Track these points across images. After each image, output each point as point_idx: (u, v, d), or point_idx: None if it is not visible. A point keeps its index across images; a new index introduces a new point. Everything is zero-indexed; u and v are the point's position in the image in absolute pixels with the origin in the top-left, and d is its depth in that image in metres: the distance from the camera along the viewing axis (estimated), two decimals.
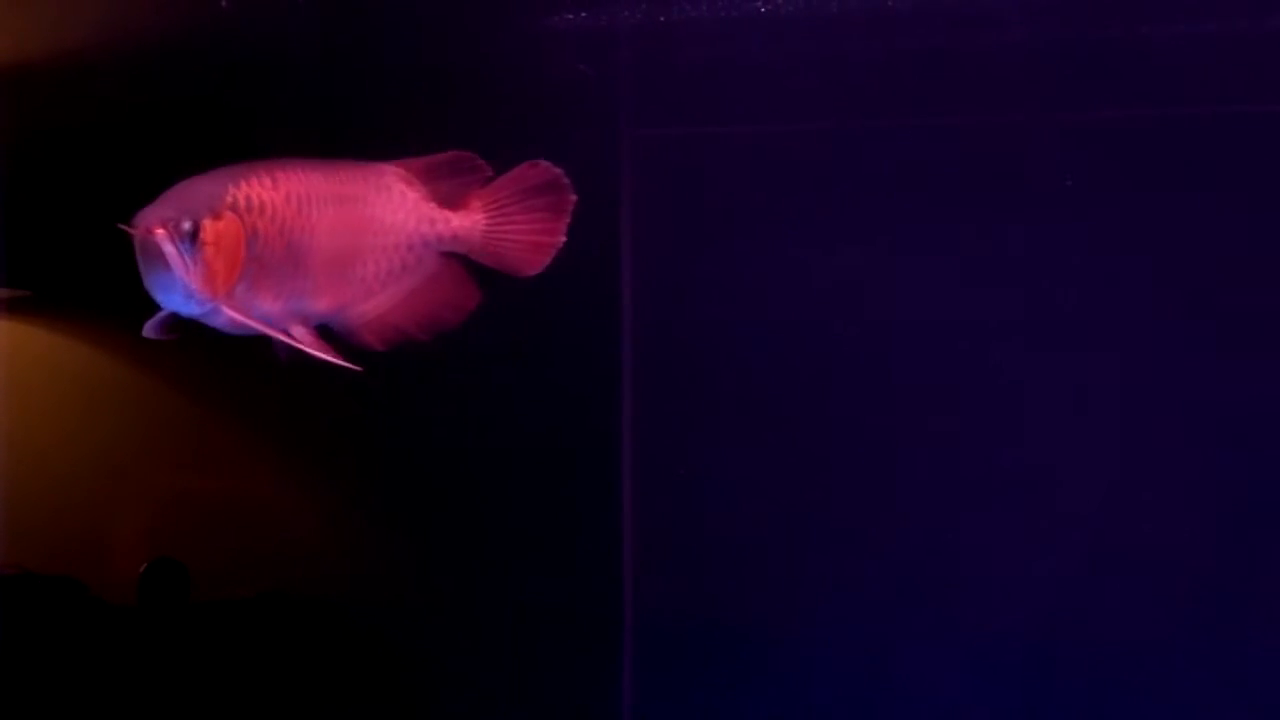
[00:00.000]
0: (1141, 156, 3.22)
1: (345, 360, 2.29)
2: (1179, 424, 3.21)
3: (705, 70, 3.32)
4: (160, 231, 2.10)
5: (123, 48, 3.17)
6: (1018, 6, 3.10)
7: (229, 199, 2.18)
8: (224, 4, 2.98)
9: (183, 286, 2.12)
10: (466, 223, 2.43)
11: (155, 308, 2.25)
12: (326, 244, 2.29)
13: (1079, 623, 3.24)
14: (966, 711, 3.27)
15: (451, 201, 2.43)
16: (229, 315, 2.20)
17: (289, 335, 2.29)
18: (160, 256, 2.10)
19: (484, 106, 3.25)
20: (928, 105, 3.30)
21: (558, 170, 2.46)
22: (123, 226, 2.12)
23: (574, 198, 2.44)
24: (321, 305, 2.32)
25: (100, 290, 3.12)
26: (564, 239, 2.47)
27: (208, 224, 2.13)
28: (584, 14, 3.24)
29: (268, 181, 2.24)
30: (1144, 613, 3.21)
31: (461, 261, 2.45)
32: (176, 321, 2.24)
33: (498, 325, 3.39)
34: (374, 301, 2.38)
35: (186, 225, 2.11)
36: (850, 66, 3.27)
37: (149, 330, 2.27)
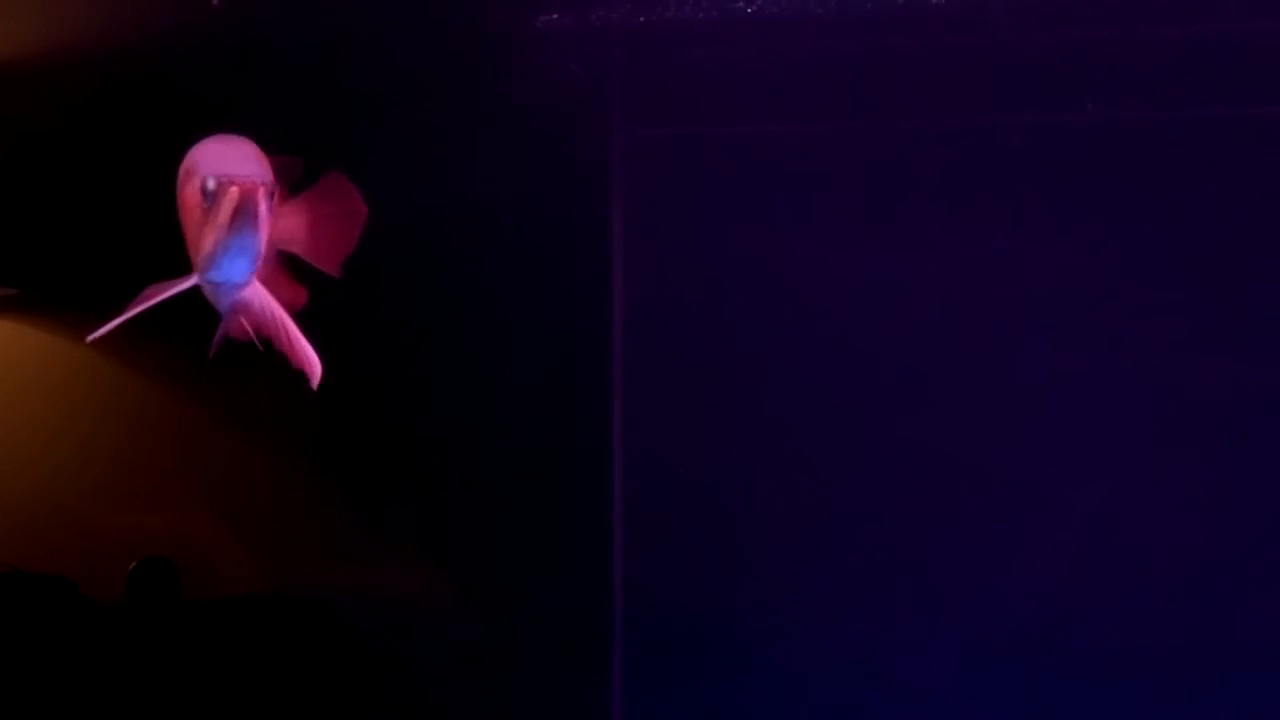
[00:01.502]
0: (1139, 158, 3.24)
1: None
2: (1175, 428, 3.22)
3: (697, 71, 3.33)
4: (262, 189, 1.94)
5: (112, 48, 3.16)
6: (1007, 9, 3.11)
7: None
8: (215, 3, 2.98)
9: (257, 250, 1.97)
10: (289, 223, 2.38)
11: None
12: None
13: (1074, 620, 3.25)
14: (958, 710, 3.28)
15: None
16: (256, 291, 2.08)
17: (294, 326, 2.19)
18: (255, 216, 1.93)
19: (477, 107, 3.26)
20: (918, 106, 3.31)
21: (351, 187, 2.40)
22: (224, 178, 1.93)
23: (364, 212, 2.40)
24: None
25: (87, 288, 3.12)
26: (352, 248, 2.43)
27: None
28: (575, 15, 3.25)
29: (261, 153, 2.16)
30: (1138, 615, 3.22)
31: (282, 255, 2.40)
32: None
33: (490, 325, 3.42)
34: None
35: (271, 185, 1.97)
36: (840, 67, 3.28)
37: (214, 348, 2.13)
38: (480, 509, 3.42)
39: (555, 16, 3.25)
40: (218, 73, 3.23)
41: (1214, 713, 3.18)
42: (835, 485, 3.32)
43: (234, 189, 1.93)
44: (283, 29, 3.10)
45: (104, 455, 3.54)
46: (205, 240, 1.98)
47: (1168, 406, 3.23)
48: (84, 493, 3.54)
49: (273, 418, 3.46)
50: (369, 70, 3.24)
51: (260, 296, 2.10)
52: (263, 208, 1.94)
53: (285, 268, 2.38)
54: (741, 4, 3.20)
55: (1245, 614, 3.18)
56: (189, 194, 2.00)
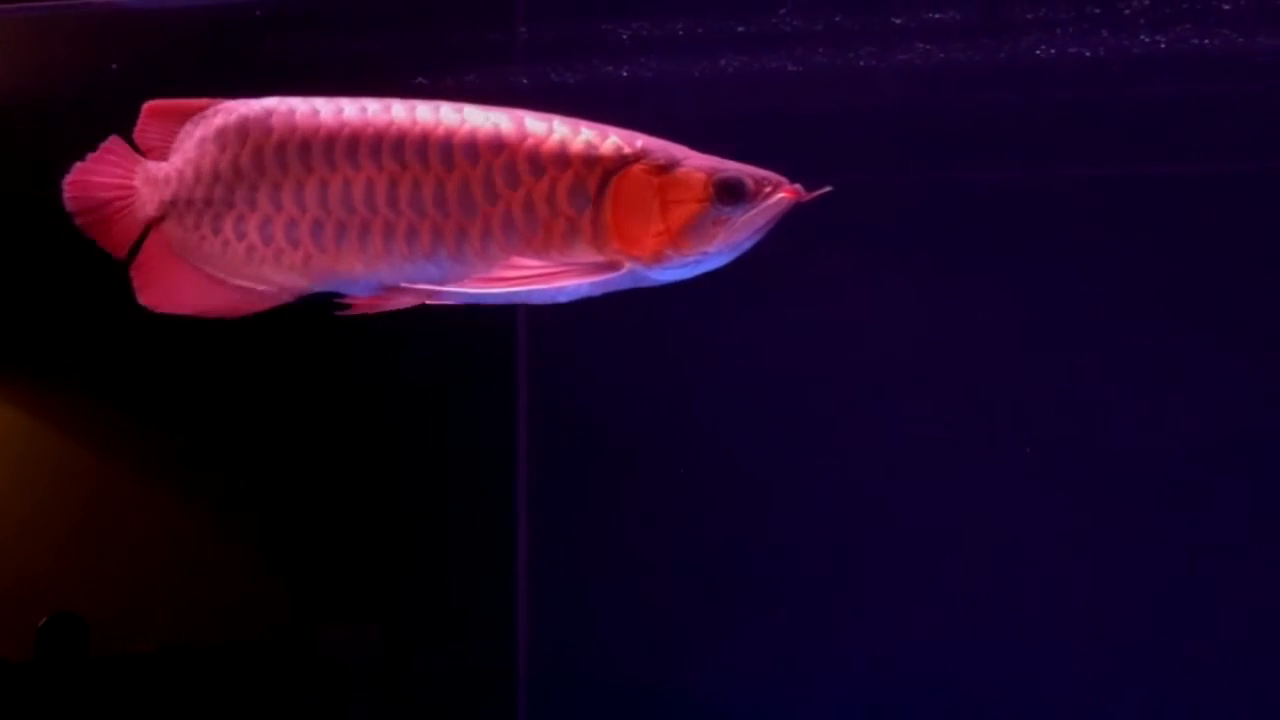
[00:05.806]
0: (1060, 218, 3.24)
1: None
2: (1093, 479, 3.22)
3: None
4: None
5: (17, 111, 3.18)
6: (899, 75, 3.10)
7: None
8: (114, 67, 2.99)
9: None
10: None
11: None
12: None
13: (985, 675, 3.24)
14: None
15: None
16: None
17: None
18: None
19: None
20: (855, 164, 3.31)
21: None
22: (772, 182, 1.92)
23: None
24: None
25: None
26: None
27: None
28: (492, 75, 3.25)
29: None
30: (1052, 668, 3.22)
31: None
32: None
33: (397, 385, 3.42)
34: None
35: None
36: (768, 127, 3.28)
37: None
38: (388, 569, 3.43)
39: (472, 77, 3.26)
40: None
41: None
42: (733, 547, 3.32)
43: (784, 194, 1.93)
44: (182, 93, 3.11)
45: (13, 510, 3.55)
46: (716, 239, 1.93)
47: (1084, 456, 3.23)
48: None
49: (185, 476, 3.47)
50: None
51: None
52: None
53: None
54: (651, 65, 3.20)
55: (1160, 661, 3.18)
56: (681, 184, 1.93)
